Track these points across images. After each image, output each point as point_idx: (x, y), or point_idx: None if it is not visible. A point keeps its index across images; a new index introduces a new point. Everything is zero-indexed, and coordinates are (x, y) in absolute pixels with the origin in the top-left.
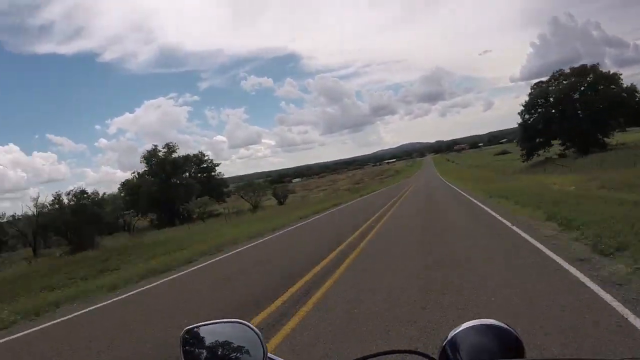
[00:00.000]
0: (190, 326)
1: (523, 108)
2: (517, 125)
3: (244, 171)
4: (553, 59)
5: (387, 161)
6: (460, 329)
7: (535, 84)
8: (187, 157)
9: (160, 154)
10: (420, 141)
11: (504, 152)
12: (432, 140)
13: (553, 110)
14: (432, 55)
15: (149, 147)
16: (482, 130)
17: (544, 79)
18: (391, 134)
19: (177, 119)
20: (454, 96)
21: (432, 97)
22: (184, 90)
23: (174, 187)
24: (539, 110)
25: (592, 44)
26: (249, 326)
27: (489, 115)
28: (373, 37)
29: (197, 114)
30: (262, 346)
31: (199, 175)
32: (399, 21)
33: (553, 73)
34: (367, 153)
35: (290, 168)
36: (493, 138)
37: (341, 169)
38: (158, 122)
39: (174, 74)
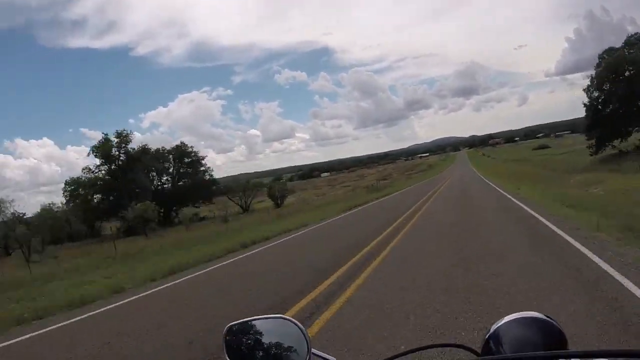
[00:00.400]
0: (233, 322)
1: (589, 84)
2: (570, 116)
3: (277, 165)
4: (589, 54)
5: (419, 155)
6: (503, 322)
7: (605, 51)
8: (145, 150)
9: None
10: (455, 135)
11: (542, 147)
12: (466, 135)
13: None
14: (466, 50)
15: (184, 140)
16: (517, 125)
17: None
18: (425, 129)
19: (211, 113)
20: (488, 91)
21: (467, 92)
22: (218, 84)
23: (121, 187)
24: (611, 87)
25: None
26: (292, 321)
27: (524, 110)
28: (408, 31)
29: (230, 108)
30: (307, 341)
31: (182, 171)
32: (434, 15)
33: (628, 37)
34: (401, 147)
35: (323, 162)
36: (530, 132)
37: (372, 164)
38: (192, 116)
39: (207, 68)
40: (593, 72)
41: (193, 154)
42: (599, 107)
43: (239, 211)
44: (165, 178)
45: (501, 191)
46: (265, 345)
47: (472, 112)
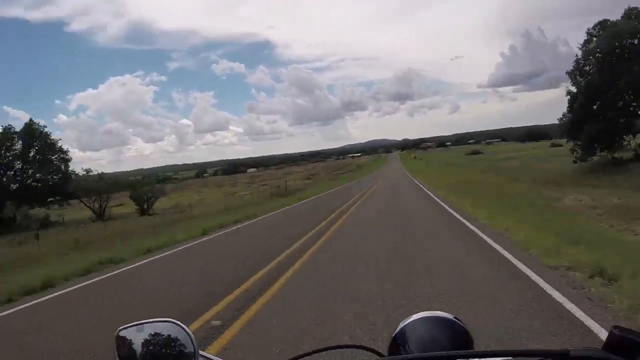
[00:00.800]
0: (123, 326)
1: (574, 64)
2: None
3: (208, 158)
4: (520, 70)
5: (351, 155)
6: (410, 320)
7: (597, 25)
8: None
9: None
10: (387, 138)
11: (475, 152)
12: (399, 138)
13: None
14: (406, 56)
15: (112, 126)
16: (448, 132)
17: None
18: (359, 130)
19: (142, 99)
20: (423, 97)
21: (402, 97)
22: (152, 69)
23: None
24: (614, 67)
25: (560, 59)
26: (180, 325)
27: (455, 118)
28: (351, 33)
29: (163, 95)
30: (194, 345)
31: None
32: (378, 20)
33: (627, 9)
34: (334, 147)
35: (255, 157)
36: (461, 138)
37: (303, 161)
38: (122, 101)
39: (143, 51)
40: (579, 53)
41: (44, 136)
42: (590, 97)
43: (92, 217)
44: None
45: (465, 222)
46: (154, 349)
47: (406, 117)
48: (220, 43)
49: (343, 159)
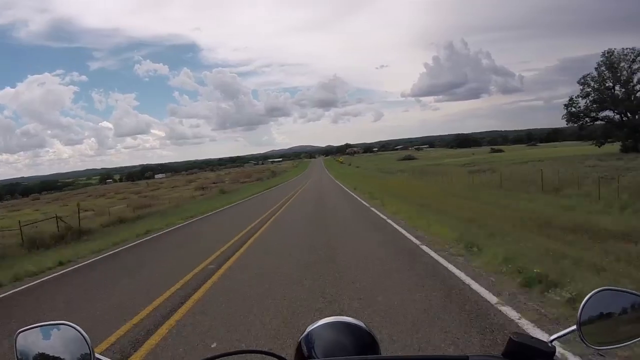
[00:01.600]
0: (23, 328)
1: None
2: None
3: (129, 162)
4: (443, 81)
5: (271, 160)
6: (316, 325)
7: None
8: None
9: None
10: (311, 144)
11: (409, 158)
12: (322, 144)
13: None
14: (332, 64)
15: (30, 127)
16: (371, 139)
17: None
18: (283, 136)
19: (61, 99)
20: (347, 105)
21: (327, 104)
22: (73, 69)
23: None
24: None
25: (481, 71)
26: (76, 328)
27: (378, 126)
28: (278, 39)
29: (83, 96)
30: (89, 347)
31: None
32: (306, 27)
33: None
34: (259, 152)
35: (179, 162)
36: (386, 144)
37: (220, 167)
38: (40, 101)
39: (64, 49)
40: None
41: None
42: None
43: None
44: None
45: None
46: (52, 352)
47: (330, 124)
48: (145, 43)
49: (262, 164)
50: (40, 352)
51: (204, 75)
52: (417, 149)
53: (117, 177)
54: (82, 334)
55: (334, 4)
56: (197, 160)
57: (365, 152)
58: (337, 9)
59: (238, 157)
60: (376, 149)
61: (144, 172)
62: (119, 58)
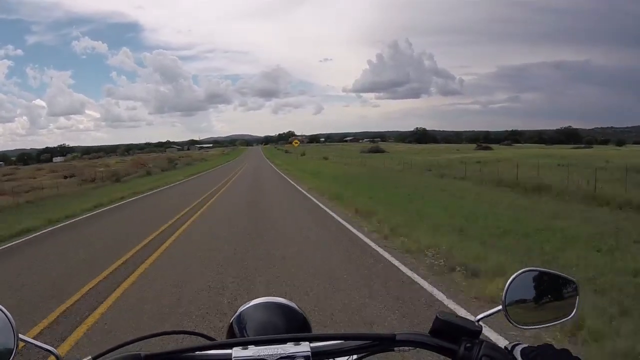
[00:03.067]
0: None
1: None
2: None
3: (61, 143)
4: (385, 79)
5: (199, 146)
6: (248, 305)
7: None
8: None
9: None
10: (251, 134)
11: (376, 151)
12: (261, 134)
13: None
14: (276, 54)
15: None
16: (311, 132)
17: None
18: (223, 123)
19: None
20: (288, 96)
21: (268, 94)
22: (8, 42)
23: None
24: None
25: (423, 72)
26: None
27: (318, 119)
28: (223, 25)
29: (17, 71)
30: (12, 327)
31: None
32: (251, 15)
33: None
34: (197, 139)
35: (110, 145)
36: (330, 137)
37: (139, 151)
38: None
39: (1, 20)
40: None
41: None
42: None
43: None
44: None
45: None
46: None
47: (270, 114)
48: (85, 19)
49: (188, 149)
50: None
51: (144, 57)
52: (372, 142)
53: (13, 158)
54: (5, 314)
55: None
56: (133, 143)
57: (311, 142)
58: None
59: (168, 141)
60: (323, 139)
61: (41, 155)
62: (58, 33)
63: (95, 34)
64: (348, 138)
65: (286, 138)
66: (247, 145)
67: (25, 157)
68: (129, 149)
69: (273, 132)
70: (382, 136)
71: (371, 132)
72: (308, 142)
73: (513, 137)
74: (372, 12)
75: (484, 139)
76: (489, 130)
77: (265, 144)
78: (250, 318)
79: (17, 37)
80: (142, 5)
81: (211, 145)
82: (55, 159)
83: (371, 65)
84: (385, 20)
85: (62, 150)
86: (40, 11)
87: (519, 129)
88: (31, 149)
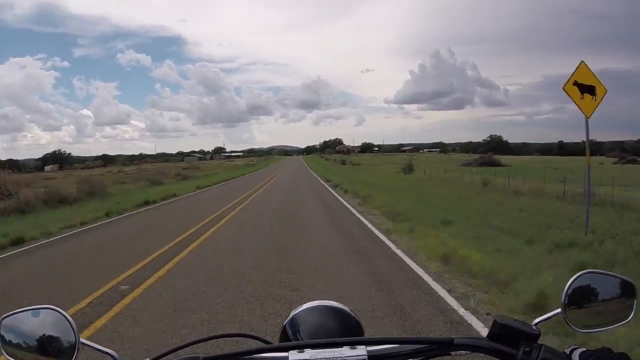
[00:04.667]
0: (7, 314)
1: None
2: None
3: (108, 151)
4: (427, 89)
5: (226, 154)
6: (300, 309)
7: None
8: None
9: None
10: (291, 145)
11: (491, 163)
12: (302, 145)
13: None
14: (317, 65)
15: (8, 110)
16: (352, 143)
17: None
18: (264, 135)
19: (42, 84)
20: (329, 107)
21: (309, 105)
22: (55, 54)
23: None
24: None
25: (466, 82)
26: (61, 312)
27: (360, 131)
28: (264, 37)
29: (64, 82)
30: (74, 332)
31: None
32: (293, 27)
33: None
34: (238, 149)
35: (157, 153)
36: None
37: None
38: (20, 84)
39: (49, 34)
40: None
41: None
42: None
43: None
44: None
45: None
46: (37, 336)
47: (311, 125)
48: (130, 33)
49: (211, 158)
50: (25, 337)
51: (187, 69)
52: (440, 151)
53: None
54: (67, 319)
55: (321, 6)
56: (174, 153)
57: (362, 151)
58: (324, 11)
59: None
60: (377, 148)
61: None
62: (103, 46)
63: (139, 47)
64: (407, 147)
65: (332, 146)
66: (285, 155)
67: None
68: (140, 158)
69: (314, 143)
70: (442, 146)
71: (415, 143)
72: (359, 152)
73: (593, 148)
74: (412, 21)
75: (559, 149)
76: (536, 142)
77: (306, 154)
78: (304, 321)
79: (64, 49)
80: (185, 19)
81: (241, 153)
82: (47, 168)
83: (413, 75)
84: (426, 29)
85: (55, 158)
86: (87, 25)
87: (566, 141)
88: (77, 156)
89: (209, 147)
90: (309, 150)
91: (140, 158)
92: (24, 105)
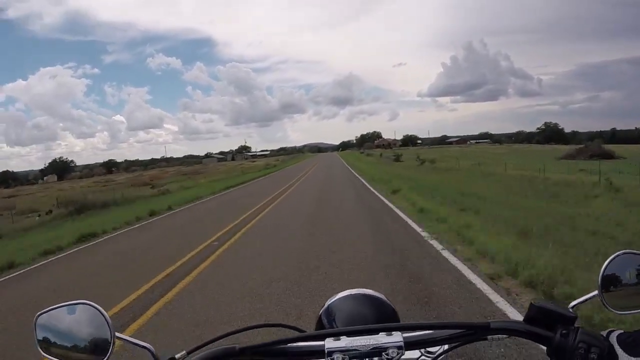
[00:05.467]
0: (42, 311)
1: None
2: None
3: (142, 156)
4: (460, 81)
5: (250, 153)
6: (336, 298)
7: None
8: None
9: None
10: (325, 142)
11: (604, 155)
12: (336, 142)
13: None
14: (348, 61)
15: (41, 120)
16: (395, 136)
17: None
18: (297, 133)
19: (73, 92)
20: (362, 103)
21: (342, 102)
22: (85, 62)
23: None
24: None
25: (499, 73)
26: (96, 307)
27: (394, 125)
28: (294, 35)
29: (95, 89)
30: (109, 327)
31: None
32: (322, 24)
33: None
34: (272, 148)
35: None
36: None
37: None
38: (52, 94)
39: (78, 42)
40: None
41: None
42: None
43: None
44: None
45: None
46: (72, 332)
47: (345, 122)
48: (159, 37)
49: (233, 159)
50: (60, 333)
51: (218, 70)
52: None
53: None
54: (102, 314)
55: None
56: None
57: (404, 145)
58: (353, 6)
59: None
60: (420, 141)
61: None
62: (133, 52)
63: (169, 51)
64: (453, 139)
65: (371, 140)
66: (318, 152)
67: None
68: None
69: (349, 138)
70: (489, 137)
71: (450, 135)
72: (401, 146)
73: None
74: (443, 14)
75: (610, 138)
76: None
77: (342, 150)
78: (339, 309)
79: (94, 57)
80: (213, 20)
81: (268, 152)
82: (46, 178)
83: (445, 68)
84: (457, 21)
85: (57, 167)
86: (115, 32)
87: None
88: (108, 160)
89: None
90: (345, 145)
91: (156, 162)
92: (56, 114)
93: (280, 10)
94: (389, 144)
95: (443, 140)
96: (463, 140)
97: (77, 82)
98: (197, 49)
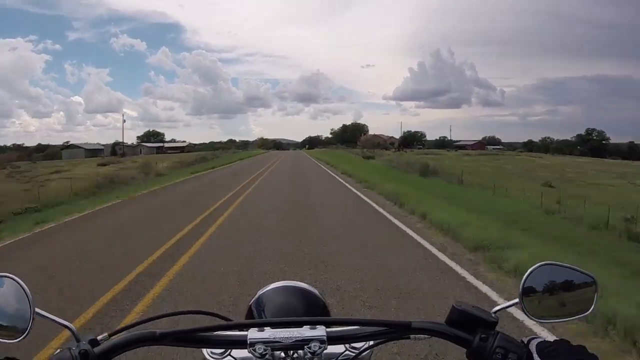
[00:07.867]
0: None
1: None
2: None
3: (98, 140)
4: (425, 87)
5: (158, 144)
6: (267, 289)
7: None
8: None
9: None
10: (287, 138)
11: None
12: (299, 139)
13: None
14: (317, 59)
15: None
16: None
17: None
18: (261, 127)
19: (32, 68)
20: (328, 102)
21: (307, 99)
22: (48, 36)
23: None
24: None
25: (464, 82)
26: (17, 281)
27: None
28: (264, 29)
29: (55, 66)
30: (29, 301)
31: None
32: (294, 19)
33: None
34: (235, 141)
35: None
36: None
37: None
38: (10, 67)
39: (43, 15)
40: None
41: None
42: None
43: None
44: None
45: None
46: None
47: (309, 119)
48: (127, 17)
49: (163, 152)
50: None
51: (183, 57)
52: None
53: None
54: (23, 287)
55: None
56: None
57: (404, 146)
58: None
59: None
60: (420, 146)
61: None
62: (98, 30)
63: (135, 32)
64: (461, 143)
65: (351, 139)
66: (276, 150)
67: None
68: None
69: (316, 134)
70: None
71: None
72: (401, 146)
73: None
74: (415, 20)
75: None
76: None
77: (307, 147)
78: (270, 300)
79: (58, 32)
80: (182, 5)
81: (186, 144)
82: None
83: (412, 73)
84: (428, 28)
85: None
86: (83, 7)
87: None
88: (63, 144)
89: (202, 139)
90: (312, 142)
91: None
92: (13, 89)
93: (252, 2)
94: (381, 143)
95: (442, 144)
96: (480, 144)
97: (36, 58)
98: (164, 33)
